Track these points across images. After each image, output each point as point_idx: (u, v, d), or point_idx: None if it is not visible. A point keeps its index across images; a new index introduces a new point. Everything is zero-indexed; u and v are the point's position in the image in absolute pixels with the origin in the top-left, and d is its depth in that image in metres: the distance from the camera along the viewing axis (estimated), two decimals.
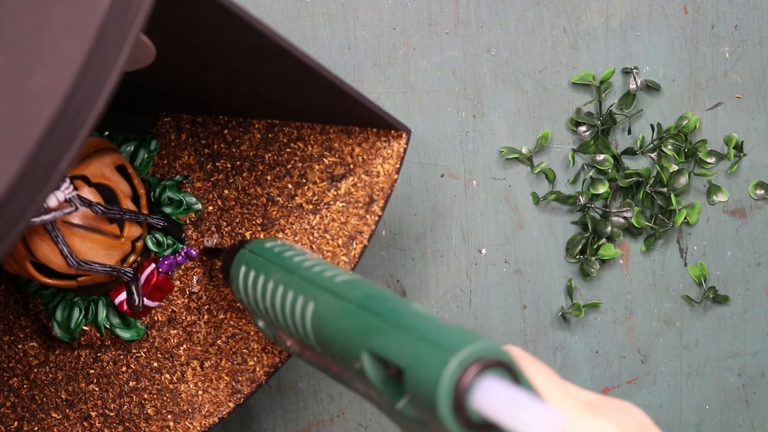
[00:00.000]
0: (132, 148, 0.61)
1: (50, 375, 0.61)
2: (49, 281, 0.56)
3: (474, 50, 0.66)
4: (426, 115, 0.66)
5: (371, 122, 0.55)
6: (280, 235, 0.59)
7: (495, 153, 0.67)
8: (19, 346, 0.62)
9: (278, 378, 0.68)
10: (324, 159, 0.57)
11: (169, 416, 0.59)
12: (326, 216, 0.58)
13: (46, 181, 0.31)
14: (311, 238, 0.58)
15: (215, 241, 0.60)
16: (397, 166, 0.56)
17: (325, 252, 0.57)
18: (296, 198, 0.58)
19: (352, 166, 0.57)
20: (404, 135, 0.56)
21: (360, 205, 0.57)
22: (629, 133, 0.67)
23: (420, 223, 0.67)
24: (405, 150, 0.56)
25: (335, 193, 0.57)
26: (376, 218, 0.56)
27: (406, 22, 0.66)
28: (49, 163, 0.31)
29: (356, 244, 0.57)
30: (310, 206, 0.58)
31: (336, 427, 0.69)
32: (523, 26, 0.66)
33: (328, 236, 0.57)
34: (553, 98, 0.66)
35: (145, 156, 0.61)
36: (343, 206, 0.57)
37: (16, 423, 0.60)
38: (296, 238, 0.58)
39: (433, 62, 0.66)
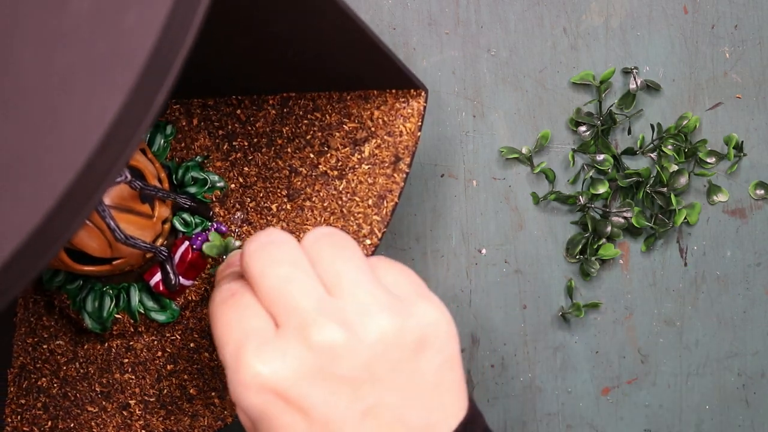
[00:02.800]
0: (148, 136, 0.61)
1: (81, 370, 0.61)
2: (85, 268, 0.56)
3: (474, 50, 0.66)
4: (426, 115, 0.66)
5: (389, 82, 0.55)
6: (308, 203, 0.59)
7: (495, 153, 0.67)
8: (45, 346, 0.62)
9: None
10: (344, 126, 0.57)
11: (213, 393, 0.59)
12: (353, 179, 0.58)
13: (144, 117, 0.31)
14: (340, 202, 0.58)
15: (240, 217, 0.60)
16: (419, 123, 0.56)
17: (356, 214, 0.57)
18: (320, 166, 0.58)
19: (373, 129, 0.57)
20: (423, 93, 0.56)
21: (386, 164, 0.57)
22: (629, 133, 0.67)
23: (420, 223, 0.67)
24: (425, 108, 0.56)
25: (359, 156, 0.57)
26: (404, 175, 0.57)
27: (406, 22, 0.66)
28: (147, 96, 0.31)
29: (387, 202, 0.57)
30: (336, 172, 0.58)
31: None
32: (523, 26, 0.66)
33: (357, 198, 0.57)
34: (553, 98, 0.66)
35: (162, 141, 0.61)
36: (369, 168, 0.57)
37: (50, 423, 0.60)
38: (324, 204, 0.58)
39: (433, 62, 0.66)
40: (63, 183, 0.29)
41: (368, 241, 0.57)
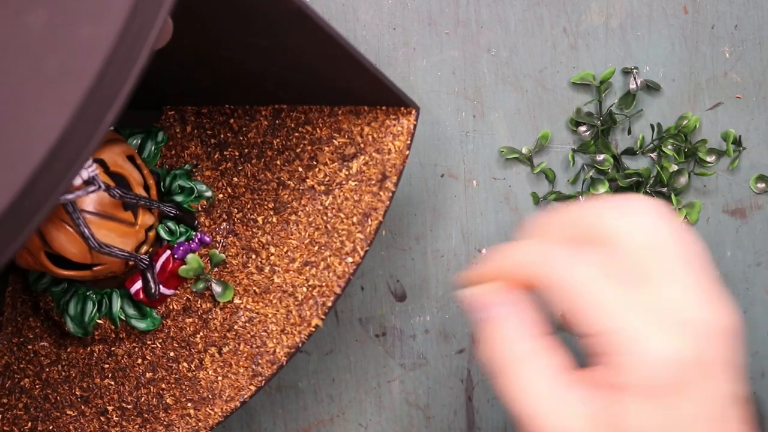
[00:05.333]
0: (139, 141, 0.61)
1: (63, 373, 0.61)
2: (65, 273, 0.56)
3: (474, 50, 0.66)
4: (426, 115, 0.66)
5: (380, 99, 0.55)
6: (293, 217, 0.59)
7: (495, 153, 0.67)
8: (29, 347, 0.62)
9: (278, 378, 0.68)
10: (333, 140, 0.57)
11: (189, 404, 0.59)
12: (339, 195, 0.58)
13: (92, 135, 0.31)
14: (325, 218, 0.58)
15: (226, 228, 0.61)
16: (408, 142, 0.56)
17: (340, 231, 0.57)
18: (308, 180, 0.58)
19: (362, 145, 0.57)
20: (413, 111, 0.56)
21: (373, 182, 0.57)
22: (629, 133, 0.67)
23: (420, 223, 0.67)
24: (415, 126, 0.56)
25: (347, 172, 0.57)
26: (390, 194, 0.56)
27: (406, 22, 0.66)
28: (95, 115, 0.31)
29: (371, 221, 0.57)
30: (323, 187, 0.58)
31: (336, 427, 0.69)
32: (523, 26, 0.66)
33: (342, 215, 0.57)
34: (553, 98, 0.66)
35: (153, 148, 0.61)
36: (355, 185, 0.57)
37: (30, 423, 0.60)
38: (310, 219, 0.58)
39: (433, 62, 0.66)
40: (4, 200, 0.29)
41: (350, 259, 0.57)
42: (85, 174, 0.49)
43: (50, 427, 0.60)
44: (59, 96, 0.29)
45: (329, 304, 0.57)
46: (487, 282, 0.44)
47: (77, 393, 0.60)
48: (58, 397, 0.61)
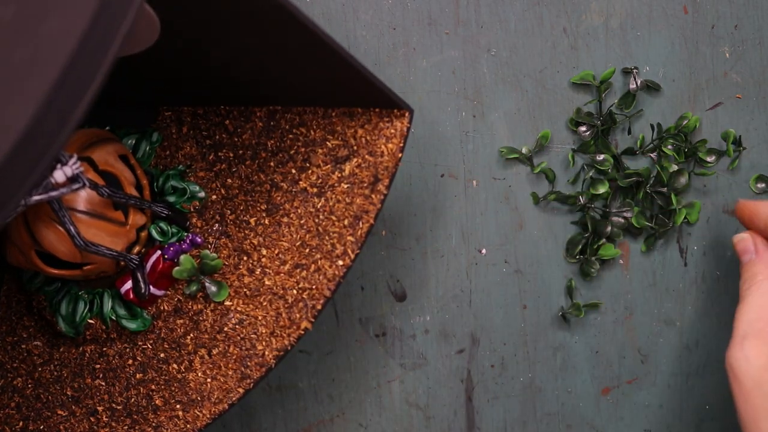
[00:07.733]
0: (133, 141, 0.61)
1: (55, 373, 0.61)
2: (55, 271, 0.56)
3: (474, 50, 0.66)
4: (426, 115, 0.66)
5: (373, 101, 0.55)
6: (285, 219, 0.59)
7: (495, 153, 0.67)
8: (23, 346, 0.62)
9: (278, 378, 0.68)
10: (327, 142, 0.57)
11: (178, 406, 0.59)
12: (331, 198, 0.58)
13: (61, 129, 0.31)
14: (317, 220, 0.58)
15: (218, 229, 0.61)
16: (401, 145, 0.56)
17: (331, 233, 0.57)
18: (300, 182, 0.58)
19: (355, 147, 0.57)
20: (407, 114, 0.56)
21: (365, 185, 0.57)
22: (629, 133, 0.67)
23: (420, 223, 0.67)
24: (408, 129, 0.56)
25: (339, 175, 0.57)
26: (382, 197, 0.56)
27: (406, 22, 0.66)
28: (63, 109, 0.30)
29: (362, 223, 0.57)
30: (315, 189, 0.58)
31: (336, 427, 0.69)
32: (523, 26, 0.66)
33: (333, 217, 0.57)
34: (553, 98, 0.66)
35: (147, 148, 0.61)
36: (348, 187, 0.57)
37: (21, 423, 0.60)
38: (301, 222, 0.58)
39: (433, 62, 0.66)
40: None
41: (341, 262, 0.57)
42: (69, 171, 0.49)
43: (41, 427, 0.60)
44: (26, 88, 0.29)
45: (319, 307, 0.57)
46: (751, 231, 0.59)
47: (68, 393, 0.61)
48: (50, 397, 0.61)
